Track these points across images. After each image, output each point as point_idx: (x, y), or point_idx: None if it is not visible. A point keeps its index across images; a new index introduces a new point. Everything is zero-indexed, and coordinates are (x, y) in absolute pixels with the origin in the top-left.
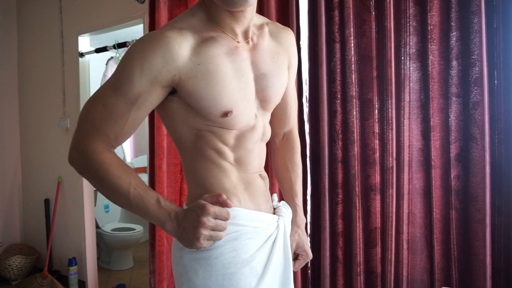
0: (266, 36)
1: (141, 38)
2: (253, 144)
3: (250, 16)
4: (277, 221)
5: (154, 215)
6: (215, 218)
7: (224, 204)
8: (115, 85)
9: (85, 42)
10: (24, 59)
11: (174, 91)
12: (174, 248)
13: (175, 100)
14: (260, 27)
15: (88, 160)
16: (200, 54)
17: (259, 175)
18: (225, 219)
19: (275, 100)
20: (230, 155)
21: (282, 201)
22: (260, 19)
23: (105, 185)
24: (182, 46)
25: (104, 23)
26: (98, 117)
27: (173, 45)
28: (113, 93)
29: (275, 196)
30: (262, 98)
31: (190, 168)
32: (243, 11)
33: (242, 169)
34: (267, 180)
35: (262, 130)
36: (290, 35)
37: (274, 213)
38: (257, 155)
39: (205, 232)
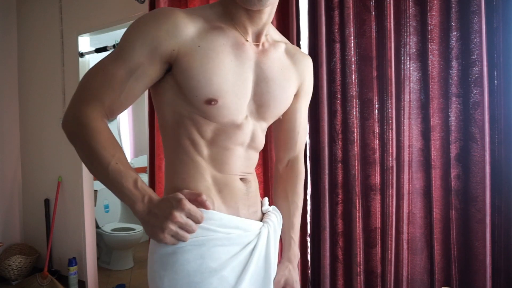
0: (280, 50)
1: (150, 12)
2: (234, 144)
3: (266, 20)
4: (260, 228)
5: (128, 193)
6: (188, 217)
7: (201, 205)
8: (117, 53)
9: (85, 42)
10: (24, 59)
11: (170, 68)
12: (149, 250)
13: (168, 79)
14: (276, 42)
15: (79, 124)
16: (204, 38)
17: (240, 178)
18: (198, 221)
19: (274, 111)
20: (204, 150)
21: (272, 206)
22: (280, 37)
23: (89, 153)
24: (188, 26)
25: (104, 23)
26: (96, 84)
27: (179, 22)
28: (114, 61)
29: (266, 200)
30: (259, 103)
31: (169, 159)
32: (260, 12)
33: (217, 169)
34: (252, 184)
35: (251, 135)
36: (308, 61)
37: (262, 219)
38: (239, 158)
39: (172, 226)
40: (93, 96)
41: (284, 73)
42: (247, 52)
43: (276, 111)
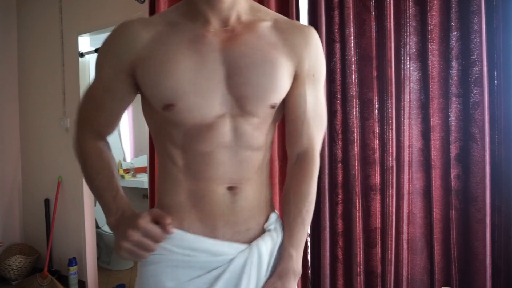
0: (260, 28)
1: (111, 31)
2: (210, 147)
3: (230, 4)
4: (238, 253)
5: (106, 205)
6: (144, 236)
7: (162, 228)
8: (95, 76)
9: (85, 42)
10: (24, 59)
11: None
12: None
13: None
14: (255, 21)
15: (76, 148)
16: (159, 42)
17: (228, 187)
18: (157, 240)
19: (259, 101)
20: (179, 160)
21: (276, 220)
22: (264, 13)
23: (83, 172)
24: (141, 34)
25: (104, 23)
26: (84, 108)
27: (132, 33)
28: (93, 84)
29: (273, 215)
30: (237, 96)
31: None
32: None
33: (194, 179)
34: (246, 195)
35: (232, 134)
36: (302, 34)
37: (255, 238)
38: (221, 162)
39: (125, 244)
40: (83, 120)
41: (269, 54)
42: (209, 44)
43: (262, 101)
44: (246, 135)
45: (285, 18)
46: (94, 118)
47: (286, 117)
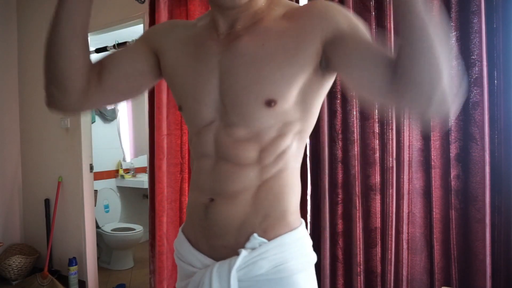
0: (266, 23)
1: None
2: (199, 155)
3: (244, 7)
4: (199, 270)
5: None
6: None
7: None
8: None
9: None
10: (24, 59)
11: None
12: None
13: None
14: (265, 16)
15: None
16: (180, 39)
17: (209, 199)
18: None
19: (248, 97)
20: (193, 164)
21: (272, 243)
22: (283, 7)
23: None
24: (175, 30)
25: (104, 23)
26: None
27: (170, 25)
28: None
29: (254, 236)
30: (226, 100)
31: None
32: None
33: (194, 187)
34: (222, 209)
35: (214, 144)
36: (311, 6)
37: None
38: (203, 171)
39: None
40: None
41: (267, 47)
42: (210, 49)
43: (252, 97)
44: (224, 146)
45: (297, 5)
46: (100, 60)
47: (365, 72)
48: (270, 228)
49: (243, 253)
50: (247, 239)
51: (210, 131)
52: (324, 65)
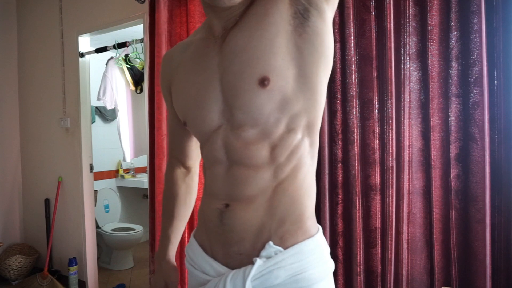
0: (252, 7)
1: None
2: (212, 162)
3: (236, 10)
4: (213, 278)
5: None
6: None
7: None
8: None
9: (85, 42)
10: (24, 59)
11: None
12: None
13: None
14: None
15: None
16: (181, 64)
17: (224, 205)
18: None
19: (242, 80)
20: (206, 173)
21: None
22: None
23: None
24: (172, 60)
25: (104, 23)
26: (167, 139)
27: (166, 62)
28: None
29: (270, 244)
30: (228, 97)
31: None
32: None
33: (207, 193)
34: (238, 215)
35: (224, 148)
36: None
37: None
38: (216, 177)
39: None
40: (168, 151)
41: (265, 18)
42: (208, 56)
43: (247, 78)
44: (235, 150)
45: None
46: (170, 147)
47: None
48: (287, 235)
49: (258, 262)
50: (263, 246)
51: (219, 137)
52: (302, 10)
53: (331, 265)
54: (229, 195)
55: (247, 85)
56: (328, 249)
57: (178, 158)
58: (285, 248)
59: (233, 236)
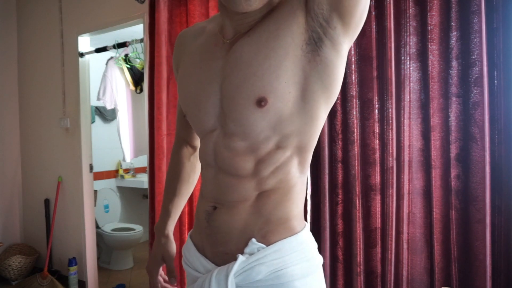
0: (266, 18)
1: None
2: (204, 163)
3: (251, 17)
4: (202, 275)
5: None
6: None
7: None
8: None
9: (85, 42)
10: (24, 59)
11: None
12: None
13: None
14: (268, 13)
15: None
16: (189, 51)
17: (213, 207)
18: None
19: (240, 97)
20: (201, 171)
21: (271, 248)
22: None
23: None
24: (186, 42)
25: (104, 23)
26: (176, 121)
27: (178, 44)
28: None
29: (252, 241)
30: (224, 106)
31: None
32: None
33: (201, 194)
34: (224, 218)
35: (213, 153)
36: None
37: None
38: (207, 179)
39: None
40: (176, 131)
41: (266, 37)
42: (214, 55)
43: (244, 96)
44: (223, 158)
45: None
46: (177, 124)
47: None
48: (270, 233)
49: (241, 258)
50: (247, 245)
51: (211, 141)
52: (316, 39)
53: (318, 261)
54: (216, 198)
55: (243, 100)
56: (315, 245)
57: (185, 138)
58: (267, 245)
59: (219, 238)
